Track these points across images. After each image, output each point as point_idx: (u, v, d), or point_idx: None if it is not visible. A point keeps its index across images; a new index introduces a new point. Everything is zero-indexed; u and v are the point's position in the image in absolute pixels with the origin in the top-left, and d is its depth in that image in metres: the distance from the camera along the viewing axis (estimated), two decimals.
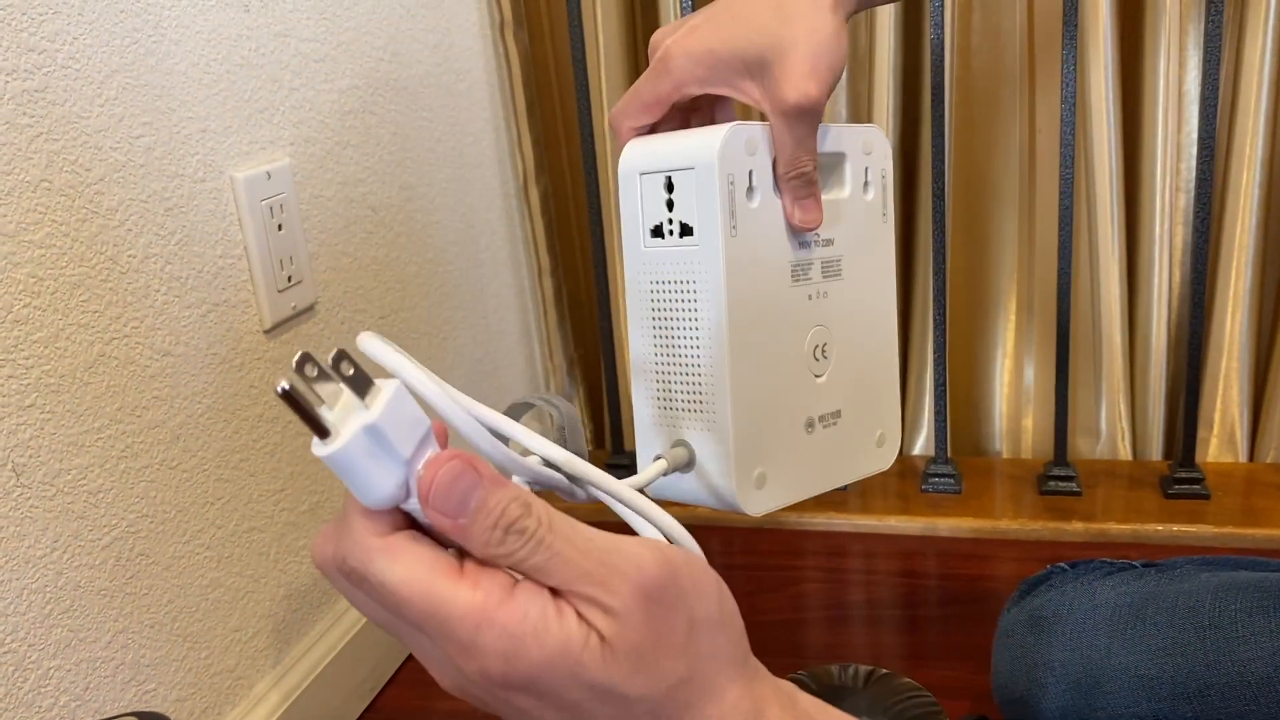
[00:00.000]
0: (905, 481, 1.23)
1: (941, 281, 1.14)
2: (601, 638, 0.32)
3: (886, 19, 1.15)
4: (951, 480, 1.18)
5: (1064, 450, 1.16)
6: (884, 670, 0.77)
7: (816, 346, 0.55)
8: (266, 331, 0.82)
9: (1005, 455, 1.28)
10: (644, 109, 0.55)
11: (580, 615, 0.32)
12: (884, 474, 1.25)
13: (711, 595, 0.35)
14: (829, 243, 0.56)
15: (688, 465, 0.53)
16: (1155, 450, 1.21)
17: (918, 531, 1.14)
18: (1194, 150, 1.11)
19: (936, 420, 1.18)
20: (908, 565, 1.10)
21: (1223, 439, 1.20)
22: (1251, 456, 1.20)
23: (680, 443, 0.54)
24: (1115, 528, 1.09)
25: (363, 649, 0.93)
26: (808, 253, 0.55)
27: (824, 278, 0.56)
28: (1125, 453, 1.22)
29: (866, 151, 0.57)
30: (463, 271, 1.14)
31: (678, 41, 0.54)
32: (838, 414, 0.57)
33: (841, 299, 0.56)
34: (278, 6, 0.83)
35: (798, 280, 0.54)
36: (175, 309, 0.73)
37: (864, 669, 0.77)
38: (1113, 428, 1.21)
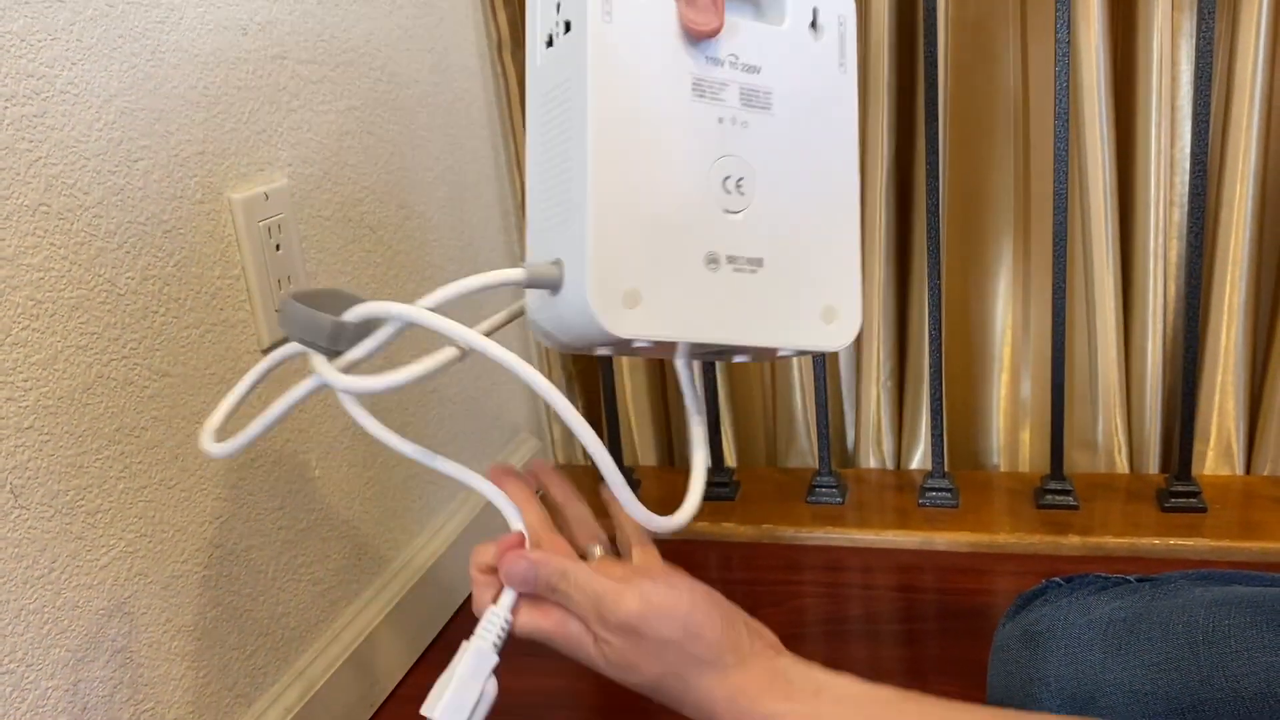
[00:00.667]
0: (903, 495, 1.23)
1: (937, 296, 1.14)
2: (603, 652, 0.50)
3: (882, 36, 1.15)
4: (949, 494, 1.19)
5: (1060, 464, 1.16)
6: None
7: (728, 177, 0.51)
8: (264, 351, 0.82)
9: (1003, 469, 1.29)
10: None
11: (594, 637, 0.52)
12: (881, 488, 1.26)
13: (677, 621, 0.48)
14: (752, 69, 0.51)
15: (556, 283, 0.50)
16: (1152, 463, 1.22)
17: (915, 546, 1.14)
18: (1187, 165, 1.11)
19: (933, 434, 1.18)
20: (905, 580, 1.10)
21: (1219, 452, 1.20)
22: (1248, 469, 1.20)
23: (556, 262, 0.50)
24: (1112, 541, 1.09)
25: (362, 665, 0.93)
26: (718, 70, 0.50)
27: (743, 105, 0.51)
28: (1122, 466, 1.22)
29: None
30: None
31: None
32: (758, 261, 0.51)
33: (769, 136, 0.51)
34: (275, 29, 0.84)
35: (703, 96, 0.50)
36: (173, 330, 0.74)
37: None
38: (1109, 441, 1.22)
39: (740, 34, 0.51)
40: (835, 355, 1.32)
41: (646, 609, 0.48)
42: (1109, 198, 1.14)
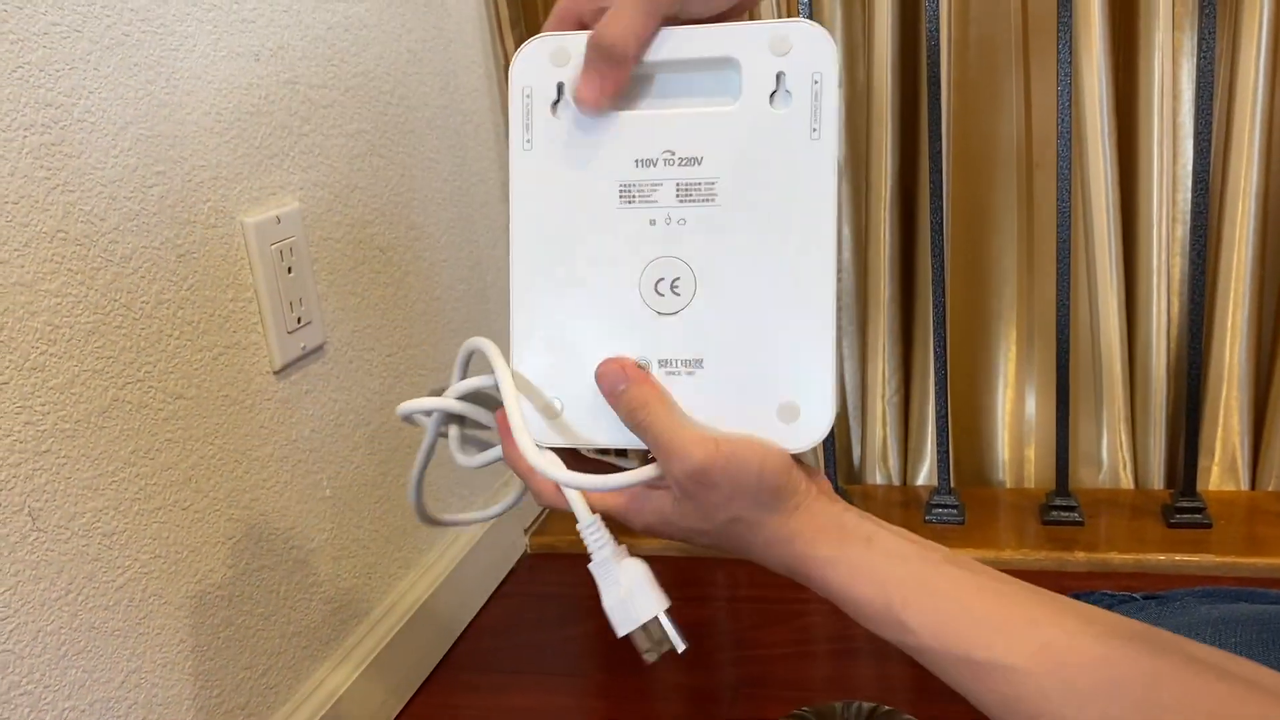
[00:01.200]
0: (909, 512, 1.23)
1: (941, 313, 1.15)
2: (674, 496, 0.48)
3: (883, 55, 1.16)
4: (954, 511, 1.19)
5: (1066, 480, 1.17)
6: (887, 707, 0.77)
7: (660, 280, 0.49)
8: (276, 372, 0.83)
9: (1008, 485, 1.29)
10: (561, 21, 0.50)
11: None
12: (887, 505, 1.27)
13: (750, 470, 0.46)
14: (691, 161, 0.49)
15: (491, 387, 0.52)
16: (1157, 479, 1.22)
17: None
18: (1189, 182, 1.12)
19: (938, 451, 1.19)
20: None
21: (1224, 467, 1.20)
22: (1253, 484, 1.21)
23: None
24: (1118, 557, 1.09)
25: (373, 684, 0.94)
26: (649, 171, 0.49)
27: (681, 202, 0.49)
28: (1127, 481, 1.23)
29: (779, 52, 0.47)
30: (469, 308, 1.15)
31: None
32: (696, 362, 0.49)
33: (711, 230, 0.49)
34: (287, 55, 0.85)
35: (631, 202, 0.49)
36: (187, 353, 0.74)
37: (867, 706, 0.77)
38: (1114, 457, 1.22)
39: (678, 125, 0.49)
40: (841, 372, 1.32)
41: (710, 460, 0.46)
42: (1112, 214, 1.15)
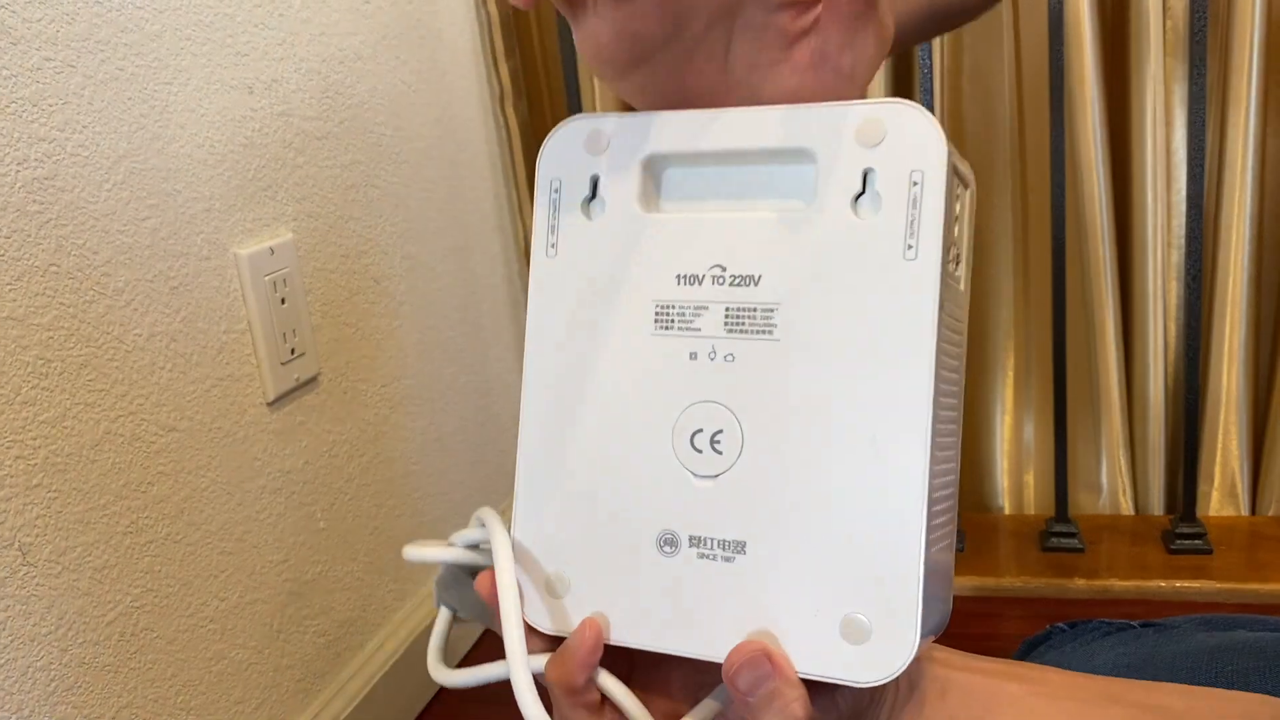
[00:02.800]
0: None
1: None
2: None
3: (878, 85, 1.17)
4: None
5: (1065, 506, 1.16)
6: None
7: (699, 431, 0.38)
8: (270, 404, 0.83)
9: (1008, 511, 1.29)
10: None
11: None
12: None
13: None
14: (747, 280, 0.37)
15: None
16: (1157, 504, 1.22)
17: None
18: (1184, 208, 1.12)
19: None
20: None
21: (1224, 492, 1.20)
22: (1253, 509, 1.20)
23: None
24: (1118, 584, 1.09)
25: (369, 718, 0.93)
26: (693, 290, 0.38)
27: (730, 332, 0.38)
28: (1127, 507, 1.22)
29: (868, 143, 0.36)
30: (465, 337, 1.15)
31: None
32: (736, 545, 0.37)
33: (767, 371, 0.37)
34: (281, 87, 0.85)
35: (669, 328, 0.38)
36: (180, 385, 0.74)
37: None
38: (1114, 482, 1.22)
39: (732, 233, 0.38)
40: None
41: None
42: (1107, 240, 1.15)
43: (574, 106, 1.16)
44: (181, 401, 0.75)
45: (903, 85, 1.20)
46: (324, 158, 0.91)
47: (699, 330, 0.38)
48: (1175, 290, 1.18)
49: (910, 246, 0.35)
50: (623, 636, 0.39)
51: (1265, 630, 0.69)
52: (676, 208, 0.39)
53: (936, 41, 1.13)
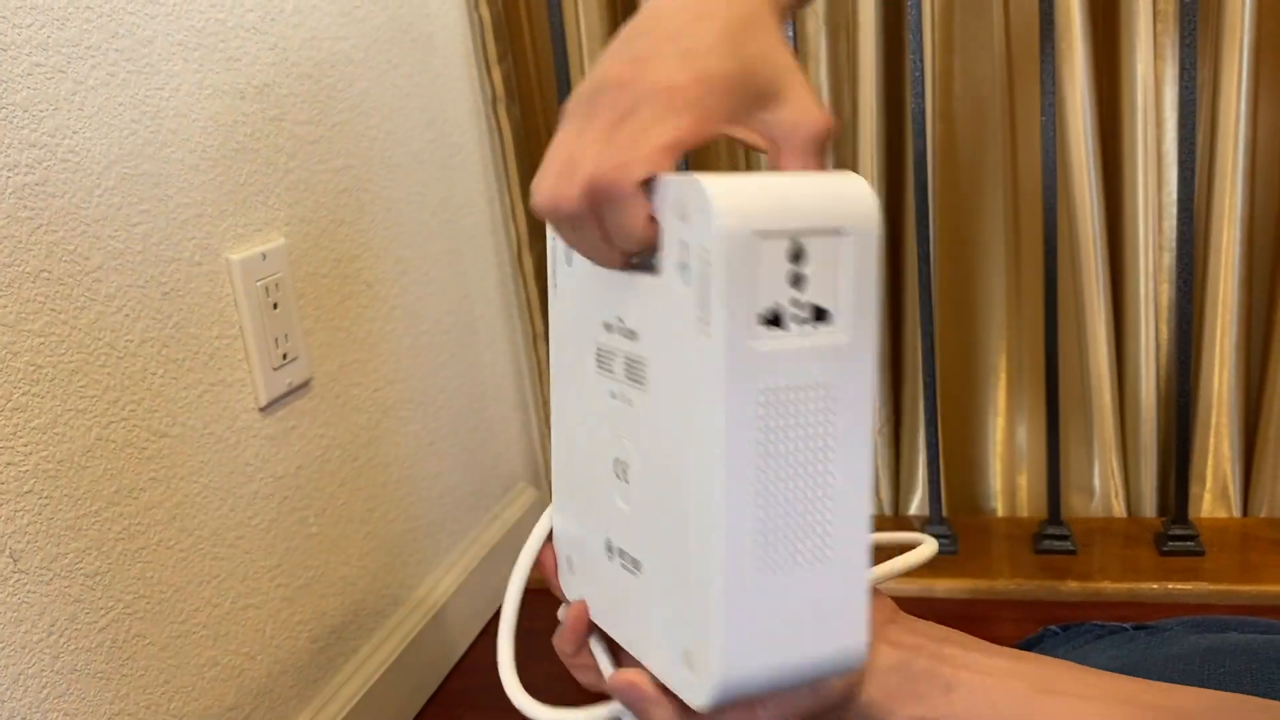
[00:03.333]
0: None
1: (930, 343, 1.15)
2: None
3: (868, 87, 1.17)
4: (948, 541, 1.19)
5: (1058, 509, 1.17)
6: None
7: (618, 460, 0.43)
8: (262, 409, 0.83)
9: (1001, 513, 1.29)
10: (656, 157, 0.39)
11: None
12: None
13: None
14: (631, 334, 0.41)
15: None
16: (1149, 506, 1.22)
17: (915, 593, 1.14)
18: (1175, 210, 1.13)
19: (930, 481, 1.19)
20: None
21: (1216, 494, 1.20)
22: (1245, 511, 1.21)
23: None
24: (1110, 586, 1.09)
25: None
26: (609, 338, 0.43)
27: (627, 379, 0.42)
28: (1119, 509, 1.22)
29: (681, 216, 0.37)
30: (457, 341, 1.15)
31: (668, 73, 0.39)
32: (636, 564, 0.43)
33: (644, 418, 0.41)
34: (273, 92, 0.85)
35: (603, 369, 0.43)
36: (172, 390, 0.74)
37: None
38: (1106, 485, 1.22)
39: (626, 291, 0.41)
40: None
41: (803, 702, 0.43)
42: (1099, 243, 1.15)
43: None
44: (173, 407, 0.74)
45: (894, 86, 1.20)
46: (316, 162, 0.91)
47: (613, 374, 0.43)
48: (1167, 292, 1.18)
49: (701, 319, 0.36)
50: (595, 617, 0.47)
51: (1257, 632, 0.69)
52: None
53: (928, 43, 1.13)
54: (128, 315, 0.71)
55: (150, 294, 0.73)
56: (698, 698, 0.39)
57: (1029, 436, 1.26)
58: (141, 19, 0.72)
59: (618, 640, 0.45)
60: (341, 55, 0.94)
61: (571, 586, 0.49)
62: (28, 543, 0.63)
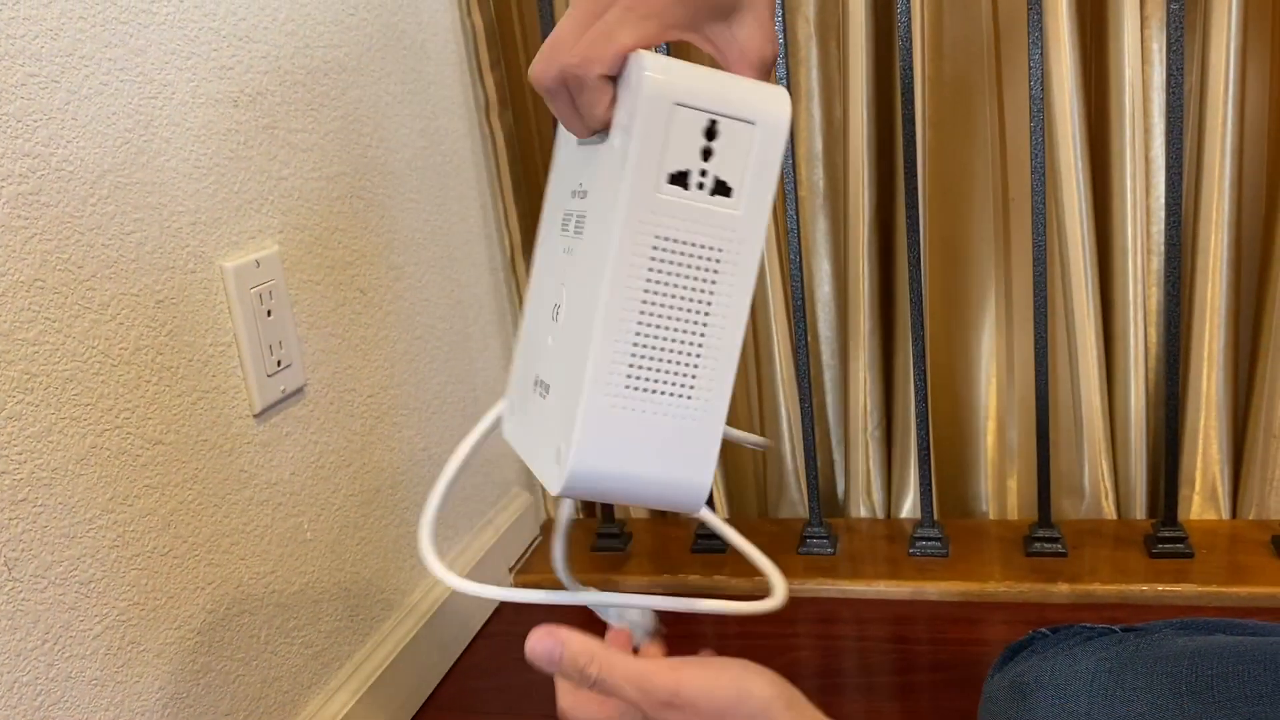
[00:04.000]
0: (893, 545, 1.23)
1: (921, 346, 1.16)
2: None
3: (859, 92, 1.18)
4: (939, 544, 1.19)
5: (1048, 512, 1.17)
6: None
7: (555, 305, 0.51)
8: (256, 416, 0.83)
9: (992, 516, 1.30)
10: (619, 57, 0.45)
11: None
12: (872, 538, 1.27)
13: (728, 683, 0.47)
14: (583, 194, 0.49)
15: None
16: (1139, 508, 1.23)
17: (906, 596, 1.15)
18: (1163, 214, 1.14)
19: (922, 484, 1.19)
20: (897, 630, 1.10)
21: (1205, 496, 1.21)
22: (1234, 513, 1.21)
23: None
24: (1101, 589, 1.10)
25: None
26: (573, 202, 0.50)
27: (575, 233, 0.50)
28: (1110, 512, 1.23)
29: (625, 85, 0.46)
30: (451, 346, 1.15)
31: None
32: (547, 388, 0.50)
33: (576, 263, 0.49)
34: (266, 100, 0.86)
35: (564, 229, 0.51)
36: (166, 398, 0.75)
37: None
38: (1096, 487, 1.23)
39: (587, 159, 0.49)
40: (823, 406, 1.33)
41: (699, 677, 0.47)
42: (1087, 246, 1.16)
43: None
44: (167, 415, 0.75)
45: (884, 94, 1.21)
46: (309, 169, 0.91)
47: (569, 231, 0.50)
48: (1155, 296, 1.19)
49: (620, 166, 0.44)
50: (519, 450, 0.54)
51: (1245, 634, 0.70)
52: (587, 144, 0.50)
53: (917, 47, 1.14)
54: (122, 323, 0.71)
55: (144, 302, 0.73)
56: (553, 485, 0.47)
57: (1019, 439, 1.27)
58: (134, 28, 0.73)
59: (524, 459, 0.52)
60: (334, 63, 0.95)
61: (507, 428, 0.56)
62: (22, 550, 0.63)
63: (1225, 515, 1.21)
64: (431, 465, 1.11)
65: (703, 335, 0.46)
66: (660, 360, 0.46)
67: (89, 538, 0.68)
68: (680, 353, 0.46)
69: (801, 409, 1.21)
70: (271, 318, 0.84)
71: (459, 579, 0.56)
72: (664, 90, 0.44)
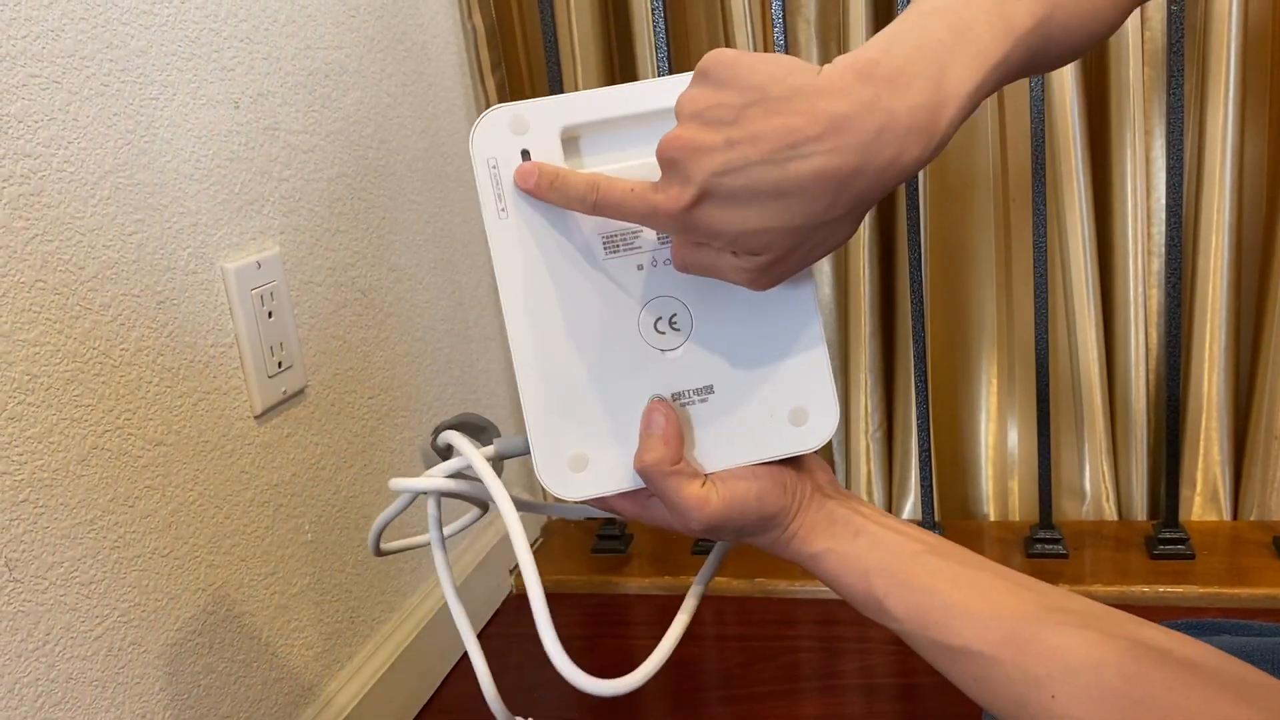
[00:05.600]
0: None
1: (922, 348, 1.16)
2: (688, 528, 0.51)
3: None
4: None
5: (1049, 513, 1.17)
6: None
7: (659, 319, 0.52)
8: (257, 417, 0.83)
9: (993, 518, 1.29)
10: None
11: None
12: None
13: (750, 510, 0.51)
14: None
15: (525, 451, 0.55)
16: (1140, 510, 1.23)
17: None
18: (1163, 215, 1.14)
19: (923, 486, 1.19)
20: None
21: (1206, 497, 1.21)
22: (1235, 514, 1.21)
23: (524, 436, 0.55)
24: (1102, 589, 1.09)
25: None
26: (619, 222, 0.51)
27: (661, 243, 0.51)
28: (1111, 513, 1.23)
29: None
30: (451, 347, 1.15)
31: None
32: (707, 389, 0.52)
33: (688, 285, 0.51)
34: (267, 102, 0.86)
35: (617, 251, 0.51)
36: (167, 399, 0.74)
37: None
38: (1097, 489, 1.23)
39: (637, 175, 0.50)
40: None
41: (725, 513, 0.50)
42: (1088, 248, 1.16)
43: None
44: (168, 415, 0.75)
45: None
46: (310, 171, 0.91)
47: (639, 248, 0.51)
48: (1156, 297, 1.19)
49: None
50: (638, 480, 0.52)
51: (1250, 635, 0.70)
52: (595, 162, 0.52)
53: None
54: (123, 324, 0.71)
55: (145, 303, 0.73)
56: (821, 434, 0.52)
57: (1020, 441, 1.27)
58: (135, 30, 0.73)
59: (721, 463, 0.52)
60: (335, 65, 0.95)
61: (580, 485, 0.52)
62: (23, 551, 0.63)
63: (1226, 516, 1.21)
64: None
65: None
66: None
67: (90, 539, 0.68)
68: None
69: None
70: (272, 319, 0.84)
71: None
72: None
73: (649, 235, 0.51)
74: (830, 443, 1.33)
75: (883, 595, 0.48)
